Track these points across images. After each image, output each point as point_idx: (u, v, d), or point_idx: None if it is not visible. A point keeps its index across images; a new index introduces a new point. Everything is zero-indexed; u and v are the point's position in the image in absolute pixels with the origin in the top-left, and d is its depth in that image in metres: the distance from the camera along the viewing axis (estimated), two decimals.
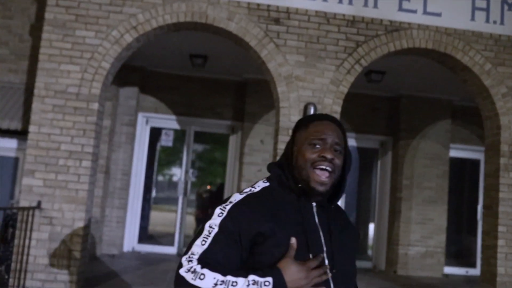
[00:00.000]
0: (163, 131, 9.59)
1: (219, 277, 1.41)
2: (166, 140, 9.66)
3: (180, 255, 9.10)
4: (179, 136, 9.84)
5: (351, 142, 9.64)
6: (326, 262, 1.53)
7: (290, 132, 5.92)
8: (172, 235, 9.38)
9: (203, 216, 13.51)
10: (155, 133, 9.59)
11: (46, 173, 5.70)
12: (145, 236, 9.66)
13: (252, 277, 1.42)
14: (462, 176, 10.03)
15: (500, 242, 6.15)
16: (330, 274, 1.51)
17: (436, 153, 9.31)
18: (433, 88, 8.92)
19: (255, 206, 1.53)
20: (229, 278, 1.41)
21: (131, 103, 8.84)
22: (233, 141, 9.45)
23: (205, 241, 1.49)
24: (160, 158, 10.63)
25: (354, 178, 9.82)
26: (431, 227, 9.13)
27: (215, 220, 1.52)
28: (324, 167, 1.54)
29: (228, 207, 1.54)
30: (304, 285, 1.44)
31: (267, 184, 1.62)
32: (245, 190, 1.62)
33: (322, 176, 1.54)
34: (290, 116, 6.02)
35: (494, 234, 6.21)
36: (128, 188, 8.89)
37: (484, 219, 6.53)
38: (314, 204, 1.61)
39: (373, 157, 9.84)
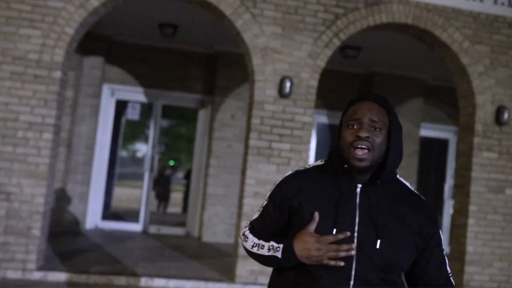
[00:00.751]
0: (129, 104, 9.20)
1: (256, 240, 1.71)
2: (133, 114, 9.27)
3: (145, 232, 8.87)
4: (146, 109, 9.47)
5: (322, 119, 9.51)
6: (355, 242, 1.57)
7: (265, 106, 5.70)
8: (137, 212, 9.09)
9: (164, 193, 13.25)
10: (121, 106, 9.18)
11: (3, 146, 5.31)
12: (109, 213, 9.34)
13: (272, 242, 1.65)
14: (430, 155, 10.07)
15: (471, 221, 6.17)
16: (353, 252, 1.54)
17: (408, 132, 9.28)
18: (407, 66, 8.84)
19: (295, 181, 1.70)
20: (260, 241, 1.69)
21: (96, 73, 8.40)
22: (203, 115, 9.16)
23: (259, 211, 1.79)
24: (125, 132, 10.26)
25: (323, 155, 9.72)
26: None
27: (268, 195, 1.78)
28: (359, 146, 1.57)
29: (277, 183, 1.76)
30: (315, 256, 1.54)
31: (321, 163, 1.75)
32: (299, 168, 1.80)
33: (359, 153, 1.57)
34: (265, 90, 5.79)
35: (465, 213, 6.22)
36: (92, 163, 8.51)
37: (455, 198, 6.53)
38: (359, 185, 1.64)
39: None
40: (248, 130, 5.87)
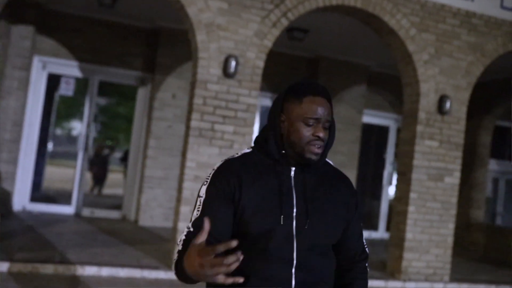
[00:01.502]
0: (63, 79, 8.58)
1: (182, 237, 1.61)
2: (66, 89, 8.68)
3: (78, 215, 8.39)
4: (81, 85, 8.90)
5: (267, 102, 9.34)
6: (294, 222, 1.62)
7: (208, 86, 5.42)
8: (70, 193, 8.57)
9: (101, 174, 12.67)
10: (54, 81, 8.55)
11: None
12: (38, 194, 8.75)
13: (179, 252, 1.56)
14: (371, 142, 10.16)
15: (411, 208, 6.21)
16: (235, 265, 1.38)
17: (350, 118, 9.29)
18: (352, 51, 8.80)
19: (233, 170, 1.65)
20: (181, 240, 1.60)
21: (25, 44, 7.75)
22: (142, 94, 8.73)
23: (199, 210, 1.64)
24: (58, 109, 9.63)
25: None
26: None
27: (202, 190, 1.66)
28: (317, 145, 1.63)
29: (210, 175, 1.68)
30: (202, 274, 1.38)
31: (249, 150, 1.74)
32: (227, 157, 1.74)
33: (316, 149, 1.63)
34: (209, 68, 5.50)
35: (406, 200, 6.25)
36: (20, 140, 7.90)
37: (397, 186, 6.55)
38: (293, 168, 1.68)
39: None
40: (190, 110, 5.57)
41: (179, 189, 5.58)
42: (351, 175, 9.25)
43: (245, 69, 5.61)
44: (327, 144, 1.68)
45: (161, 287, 5.01)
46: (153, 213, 8.29)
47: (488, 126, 9.87)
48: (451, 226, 6.41)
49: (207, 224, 1.42)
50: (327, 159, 1.78)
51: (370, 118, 9.84)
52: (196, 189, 5.45)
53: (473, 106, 9.63)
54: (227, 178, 1.64)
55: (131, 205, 8.65)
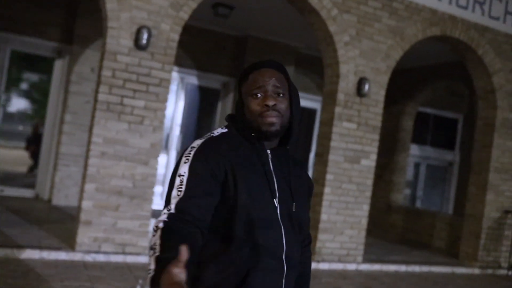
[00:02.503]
0: None
1: (156, 240, 1.36)
2: None
3: None
4: None
5: (193, 80, 9.08)
6: (278, 206, 1.58)
7: (118, 57, 5.12)
8: None
9: (39, 153, 12.04)
10: None
11: None
12: None
13: (157, 255, 1.33)
14: (300, 124, 10.17)
15: (327, 189, 6.22)
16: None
17: None
18: (280, 32, 8.68)
19: (217, 146, 1.55)
20: (156, 247, 1.35)
21: None
22: (59, 66, 8.22)
23: (180, 190, 1.47)
24: None
25: (193, 119, 9.34)
26: None
27: (183, 168, 1.51)
28: (269, 114, 1.56)
29: (192, 152, 1.54)
30: None
31: (225, 130, 1.65)
32: (204, 136, 1.62)
33: (269, 117, 1.57)
34: (119, 39, 5.19)
35: (322, 181, 6.25)
36: None
37: (314, 167, 6.54)
38: (268, 151, 1.63)
39: (215, 98, 9.42)
40: (98, 82, 5.25)
41: (85, 166, 5.27)
42: None
43: (159, 42, 5.34)
44: (293, 118, 1.62)
45: (59, 268, 4.73)
46: (68, 192, 7.89)
47: (411, 112, 10.11)
48: (366, 207, 6.49)
49: (184, 253, 1.21)
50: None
51: (307, 102, 9.80)
52: (102, 166, 5.16)
53: (396, 92, 9.83)
54: (216, 158, 1.52)
55: (45, 184, 8.18)
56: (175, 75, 8.89)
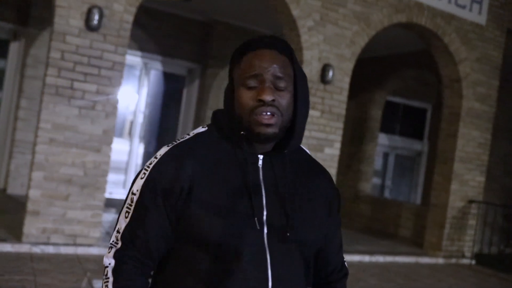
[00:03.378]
0: None
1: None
2: None
3: None
4: None
5: (157, 65, 8.81)
6: (266, 229, 1.22)
7: (68, 38, 4.85)
8: None
9: None
10: None
11: None
12: None
13: None
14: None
15: None
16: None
17: None
18: (247, 17, 8.46)
19: (180, 157, 1.23)
20: None
21: None
22: (15, 49, 7.85)
23: (128, 213, 1.24)
24: None
25: (158, 106, 9.08)
26: None
27: (137, 184, 1.25)
28: (264, 112, 1.20)
29: (151, 166, 1.25)
30: None
31: (204, 129, 1.31)
32: (175, 140, 1.31)
33: (265, 117, 1.21)
34: (68, 19, 4.90)
35: None
36: None
37: None
38: (260, 156, 1.27)
39: (180, 84, 9.16)
40: (46, 65, 4.96)
41: (32, 153, 5.00)
42: None
43: (111, 23, 5.07)
44: (297, 113, 1.24)
45: (2, 260, 4.47)
46: (23, 180, 7.55)
47: (379, 101, 10.04)
48: None
49: None
50: (302, 146, 1.38)
51: None
52: (51, 153, 4.90)
53: (365, 80, 9.73)
54: (171, 172, 1.22)
55: None
56: (138, 60, 8.61)
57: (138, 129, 8.75)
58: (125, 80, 8.68)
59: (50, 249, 4.92)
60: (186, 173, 1.22)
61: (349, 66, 6.40)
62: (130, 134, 8.70)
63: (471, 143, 7.49)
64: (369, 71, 9.68)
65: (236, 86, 1.26)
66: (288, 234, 1.23)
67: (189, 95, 9.08)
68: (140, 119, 8.77)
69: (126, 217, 1.24)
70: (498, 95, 9.07)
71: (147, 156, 8.99)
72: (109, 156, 5.17)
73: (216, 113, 1.34)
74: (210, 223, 1.19)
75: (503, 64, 9.29)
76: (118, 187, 8.66)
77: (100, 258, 4.98)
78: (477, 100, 7.47)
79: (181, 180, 1.21)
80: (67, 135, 4.95)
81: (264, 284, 1.20)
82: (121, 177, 8.72)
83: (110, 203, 7.81)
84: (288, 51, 1.27)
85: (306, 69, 6.08)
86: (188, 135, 1.31)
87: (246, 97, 1.22)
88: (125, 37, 5.16)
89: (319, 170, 1.38)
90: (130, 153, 8.71)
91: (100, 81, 5.06)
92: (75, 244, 5.04)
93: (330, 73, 6.17)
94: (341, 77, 6.34)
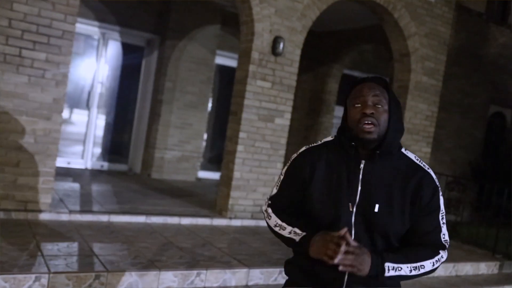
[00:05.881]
0: None
1: (278, 221, 1.87)
2: None
3: None
4: None
5: (115, 36, 8.79)
6: (355, 210, 1.78)
7: (15, 6, 4.88)
8: None
9: None
10: None
11: None
12: None
13: (295, 229, 1.81)
14: (225, 83, 10.12)
15: (239, 147, 6.27)
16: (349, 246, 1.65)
17: (203, 58, 9.11)
18: None
19: (308, 157, 1.87)
20: (283, 224, 1.85)
21: None
22: None
23: (277, 187, 1.95)
24: None
25: (117, 76, 9.09)
26: (189, 132, 9.09)
27: (284, 168, 1.95)
28: (366, 121, 1.74)
29: (294, 157, 1.93)
30: (322, 255, 1.67)
31: (331, 139, 1.91)
32: (311, 143, 1.94)
33: (366, 126, 1.74)
34: None
35: (235, 139, 6.30)
36: None
37: (228, 125, 6.57)
38: (363, 161, 1.81)
39: (138, 56, 9.19)
40: None
41: None
42: (201, 116, 9.19)
43: None
44: (389, 127, 1.76)
45: None
46: None
47: (336, 74, 10.28)
48: (280, 166, 6.61)
49: (343, 231, 1.66)
50: (408, 153, 1.87)
51: (224, 59, 9.74)
52: (0, 121, 4.96)
53: (322, 54, 9.93)
54: (302, 165, 1.86)
55: None
56: (95, 30, 8.59)
57: (96, 100, 8.77)
58: (83, 50, 8.67)
59: (1, 215, 5.02)
60: (312, 167, 1.83)
61: (300, 38, 6.57)
62: (88, 105, 8.72)
63: (418, 116, 7.82)
64: (327, 45, 9.88)
65: (348, 107, 1.81)
66: (365, 216, 1.76)
67: (148, 67, 9.12)
68: (98, 90, 8.78)
69: (276, 191, 1.94)
70: (450, 73, 9.41)
71: (107, 127, 9.04)
72: (59, 124, 5.25)
73: (338, 128, 1.88)
74: (318, 201, 1.80)
75: (462, 45, 9.63)
76: (76, 157, 8.73)
77: (51, 223, 5.13)
78: (425, 74, 7.77)
79: (307, 171, 1.84)
80: (16, 102, 5.01)
81: None
82: (79, 147, 8.78)
83: (68, 173, 7.91)
84: (385, 84, 1.82)
85: (257, 41, 6.24)
86: (320, 141, 1.93)
87: (354, 112, 1.77)
88: (74, 6, 5.20)
89: (417, 172, 1.82)
90: (88, 124, 8.75)
91: (49, 49, 5.10)
92: (26, 210, 5.15)
93: (281, 45, 6.33)
94: (292, 49, 6.52)
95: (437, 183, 1.84)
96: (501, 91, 11.81)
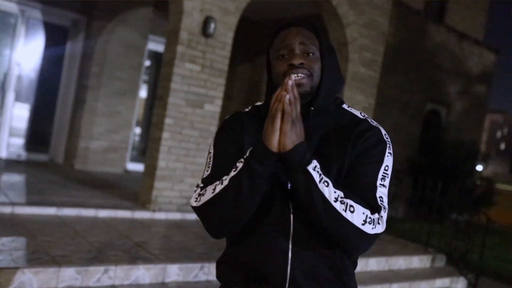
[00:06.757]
0: None
1: (216, 182, 1.42)
2: None
3: None
4: None
5: (35, 14, 8.07)
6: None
7: None
8: None
9: None
10: None
11: None
12: None
13: (235, 167, 1.40)
14: (160, 71, 9.60)
15: (165, 134, 5.81)
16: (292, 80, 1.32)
17: (133, 42, 8.55)
18: None
19: (239, 120, 1.55)
20: (219, 181, 1.42)
21: None
22: None
23: (208, 167, 1.52)
24: None
25: (37, 58, 8.36)
26: (118, 121, 8.50)
27: (211, 145, 1.56)
28: (295, 74, 1.42)
29: (219, 127, 1.60)
30: (272, 132, 1.31)
31: (260, 103, 1.61)
32: (238, 110, 1.64)
33: (295, 78, 1.40)
34: None
35: (161, 126, 5.82)
36: None
37: (154, 111, 6.08)
38: None
39: (62, 37, 8.49)
40: None
41: None
42: (131, 104, 8.62)
43: None
44: (323, 78, 1.45)
45: None
46: None
47: None
48: None
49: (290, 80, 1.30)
50: (351, 109, 1.54)
51: (158, 45, 9.20)
52: None
53: (261, 43, 9.61)
54: (232, 125, 1.54)
55: None
56: (13, 6, 7.83)
57: (13, 83, 8.01)
58: None
59: None
60: (241, 128, 1.51)
61: (233, 20, 6.18)
62: (4, 87, 7.95)
63: (356, 107, 7.58)
64: (265, 34, 9.56)
65: (272, 61, 1.48)
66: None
67: (73, 49, 8.45)
68: (15, 71, 8.03)
69: (207, 171, 1.51)
70: (390, 69, 9.34)
71: (26, 113, 8.30)
72: None
73: (266, 90, 1.57)
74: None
75: (401, 41, 9.57)
76: None
77: None
78: (362, 64, 7.59)
79: (238, 131, 1.51)
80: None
81: (287, 226, 1.43)
82: None
83: None
84: (313, 27, 1.48)
85: (186, 20, 5.79)
86: (249, 107, 1.61)
87: (280, 65, 1.44)
88: None
89: (359, 126, 1.46)
90: (3, 109, 7.98)
91: None
92: None
93: (212, 26, 5.92)
94: (225, 32, 6.12)
95: (386, 139, 1.48)
96: (437, 89, 11.94)
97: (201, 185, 1.49)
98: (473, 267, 6.35)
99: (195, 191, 1.50)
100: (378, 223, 1.38)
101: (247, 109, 1.61)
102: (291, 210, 1.43)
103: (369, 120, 1.51)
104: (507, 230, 11.42)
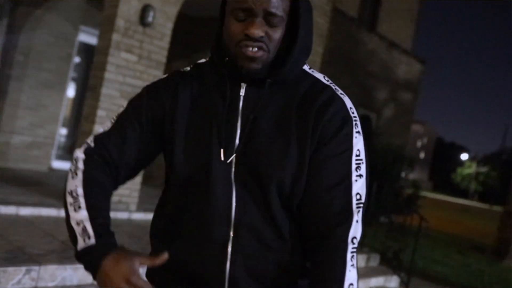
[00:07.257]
0: None
1: (79, 189, 1.17)
2: None
3: None
4: None
5: None
6: (234, 161, 1.17)
7: None
8: None
9: None
10: None
11: None
12: None
13: (90, 221, 1.16)
14: (91, 64, 9.11)
15: (97, 128, 5.44)
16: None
17: (63, 32, 8.03)
18: None
19: (171, 82, 1.26)
20: (80, 199, 1.17)
21: None
22: None
23: (111, 122, 1.27)
24: None
25: None
26: (43, 115, 7.94)
27: (129, 100, 1.31)
28: (250, 48, 1.14)
29: (148, 85, 1.31)
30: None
31: (204, 60, 1.31)
32: (178, 69, 1.34)
33: (248, 51, 1.15)
34: None
35: (92, 118, 5.46)
36: None
37: (85, 102, 5.70)
38: (243, 85, 1.21)
39: None
40: None
41: None
42: (58, 97, 8.09)
43: None
44: (296, 47, 1.18)
45: None
46: None
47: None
48: None
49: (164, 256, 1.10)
50: (313, 72, 1.27)
51: (90, 37, 8.72)
52: None
53: (197, 40, 9.38)
54: (160, 95, 1.24)
55: None
56: None
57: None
58: None
59: None
60: (172, 100, 1.23)
61: (173, 10, 5.94)
62: None
63: None
64: (202, 31, 9.35)
65: (227, 14, 1.18)
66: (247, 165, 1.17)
67: None
68: None
69: (108, 126, 1.26)
70: (325, 73, 9.42)
71: None
72: None
73: (211, 46, 1.27)
74: (180, 150, 1.20)
75: (335, 46, 9.69)
76: None
77: None
78: None
79: (166, 105, 1.23)
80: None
81: (227, 218, 1.17)
82: None
83: None
84: None
85: (123, 7, 5.48)
86: (191, 65, 1.31)
87: (235, 28, 1.16)
88: None
89: (325, 90, 1.23)
90: None
91: None
92: None
93: (151, 15, 5.65)
94: (164, 22, 5.86)
95: (352, 114, 1.24)
96: (368, 95, 12.27)
97: (91, 144, 1.23)
98: (404, 266, 6.47)
99: (83, 146, 1.24)
100: (355, 239, 1.18)
101: (188, 68, 1.31)
102: (234, 192, 1.17)
103: (333, 87, 1.25)
104: (432, 232, 11.90)
